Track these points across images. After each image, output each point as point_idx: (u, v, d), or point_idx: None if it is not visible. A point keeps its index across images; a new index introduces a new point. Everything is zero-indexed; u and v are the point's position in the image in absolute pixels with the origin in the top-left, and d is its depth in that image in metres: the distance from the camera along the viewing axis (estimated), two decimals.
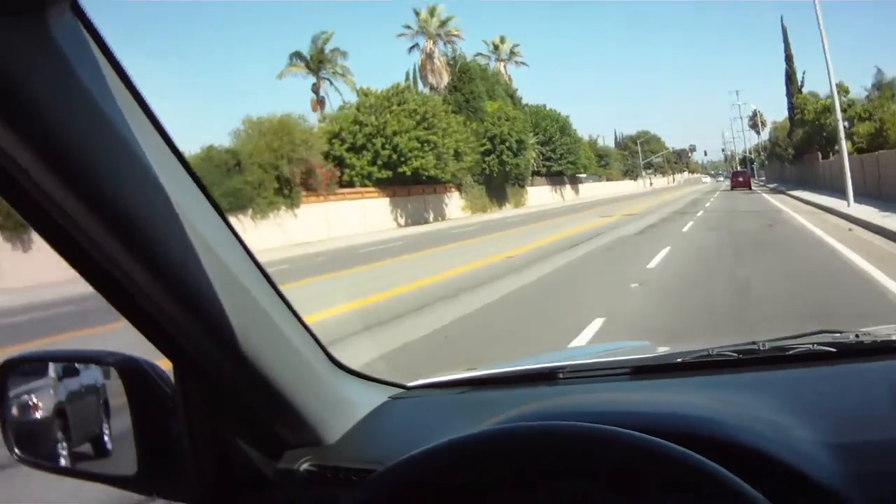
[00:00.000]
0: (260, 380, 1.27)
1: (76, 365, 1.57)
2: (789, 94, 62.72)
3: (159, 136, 1.06)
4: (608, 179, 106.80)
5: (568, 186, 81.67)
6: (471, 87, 56.40)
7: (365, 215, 41.72)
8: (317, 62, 57.65)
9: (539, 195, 68.99)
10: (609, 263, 16.23)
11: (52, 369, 1.57)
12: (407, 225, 45.65)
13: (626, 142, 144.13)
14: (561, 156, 73.50)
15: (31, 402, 1.56)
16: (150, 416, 1.34)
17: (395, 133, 43.85)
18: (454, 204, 53.21)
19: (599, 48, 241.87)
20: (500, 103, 58.18)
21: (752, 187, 64.21)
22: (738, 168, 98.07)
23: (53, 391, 1.56)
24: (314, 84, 58.28)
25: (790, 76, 62.97)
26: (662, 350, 2.01)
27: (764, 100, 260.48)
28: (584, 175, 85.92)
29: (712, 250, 16.48)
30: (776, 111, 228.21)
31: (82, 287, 1.16)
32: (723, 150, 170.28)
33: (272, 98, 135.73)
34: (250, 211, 34.00)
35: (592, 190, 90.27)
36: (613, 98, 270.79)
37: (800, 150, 58.47)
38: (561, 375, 1.67)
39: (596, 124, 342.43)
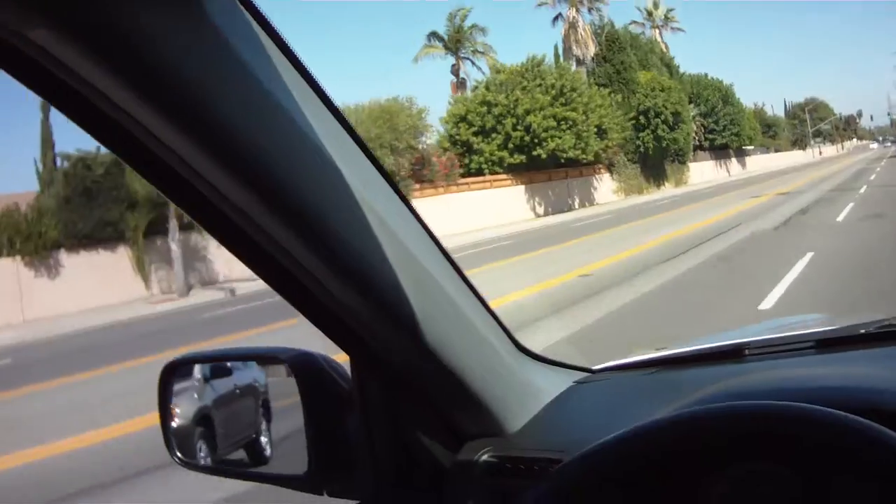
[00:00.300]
0: (442, 368, 1.22)
1: (241, 364, 1.59)
2: None
3: (332, 116, 1.00)
4: (776, 150, 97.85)
5: (734, 160, 73.97)
6: (621, 56, 50.42)
7: (496, 206, 36.66)
8: (454, 41, 52.62)
9: (702, 171, 62.11)
10: (706, 295, 10.45)
11: (214, 370, 1.59)
12: (546, 214, 40.37)
13: (795, 110, 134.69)
14: (724, 128, 66.06)
15: (193, 405, 1.58)
16: (324, 411, 1.32)
17: (527, 112, 38.63)
18: (605, 187, 47.36)
19: (760, 10, 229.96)
20: (654, 74, 51.94)
21: None
22: None
23: (216, 392, 1.59)
24: (453, 65, 53.25)
25: None
26: (843, 321, 1.89)
27: None
28: (750, 147, 78.13)
29: (876, 256, 10.95)
30: None
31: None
32: (889, 115, 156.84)
33: (410, 84, 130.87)
34: None
35: (759, 162, 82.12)
36: (779, 63, 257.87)
37: None
38: (746, 352, 1.63)
39: (763, 93, 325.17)
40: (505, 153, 38.50)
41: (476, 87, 43.18)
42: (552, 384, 1.54)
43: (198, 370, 1.59)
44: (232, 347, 1.77)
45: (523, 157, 38.73)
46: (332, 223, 1.00)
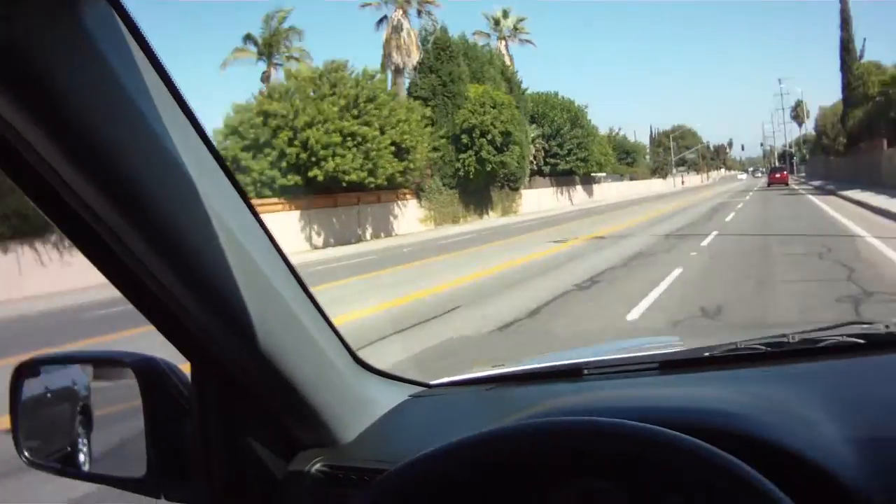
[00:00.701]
0: (277, 377, 1.26)
1: (91, 367, 1.60)
2: (844, 69, 51.15)
3: (193, 130, 1.04)
4: (632, 178, 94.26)
5: (579, 187, 69.08)
6: (450, 67, 44.19)
7: None
8: (268, 45, 46.16)
9: (539, 199, 56.98)
10: None
11: (66, 371, 1.61)
12: (327, 245, 33.82)
13: (660, 137, 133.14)
14: (570, 152, 60.97)
15: (42, 405, 1.61)
16: (163, 416, 1.34)
17: (308, 125, 32.23)
18: (410, 215, 41.22)
19: (628, 36, 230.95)
20: (487, 88, 45.96)
21: (793, 186, 59.62)
22: (777, 164, 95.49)
23: (66, 393, 1.61)
24: (264, 72, 46.70)
25: (846, 45, 51.29)
26: (689, 344, 1.99)
27: (808, 91, 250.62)
28: (601, 174, 73.82)
29: None
30: (823, 97, 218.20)
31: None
32: (761, 145, 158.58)
33: (218, 93, 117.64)
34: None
35: (609, 191, 77.69)
36: (648, 90, 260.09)
37: (855, 137, 50.17)
38: (586, 371, 1.65)
39: (630, 118, 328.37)
40: (276, 172, 31.97)
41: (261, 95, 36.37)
42: (388, 397, 1.57)
43: (45, 372, 1.59)
44: (78, 350, 1.80)
45: (298, 178, 32.26)
46: (178, 229, 1.02)
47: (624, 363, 1.70)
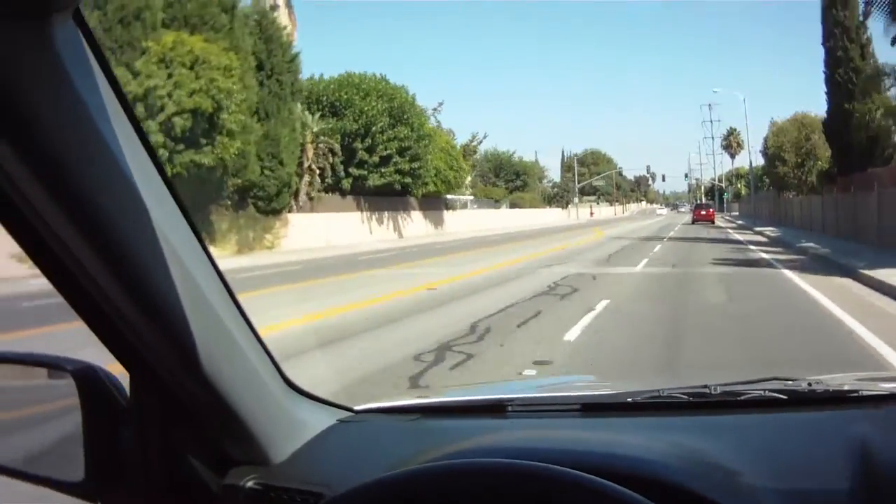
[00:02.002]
0: (214, 395, 1.29)
1: (31, 368, 1.60)
2: (829, 60, 34.42)
3: (143, 149, 1.09)
4: (514, 206, 73.60)
5: (418, 214, 49.32)
6: None
7: None
8: None
9: (329, 228, 36.98)
10: None
11: (4, 372, 1.62)
12: None
13: (570, 161, 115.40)
14: (385, 159, 40.81)
15: None
16: (102, 425, 1.35)
17: None
18: None
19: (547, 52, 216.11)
20: (185, 36, 25.94)
21: (731, 232, 43.53)
22: (704, 200, 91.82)
23: (3, 393, 1.65)
24: None
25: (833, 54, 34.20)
26: (612, 387, 1.98)
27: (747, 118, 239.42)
28: (466, 197, 54.23)
29: None
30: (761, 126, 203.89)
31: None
32: (686, 177, 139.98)
33: None
34: None
35: (472, 221, 58.00)
36: (562, 114, 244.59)
37: (846, 162, 32.89)
38: (509, 408, 1.67)
39: (549, 144, 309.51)
40: None
41: None
42: (317, 420, 1.60)
43: (4, 371, 1.61)
44: (17, 351, 1.66)
45: None
46: (124, 241, 1.06)
47: (547, 402, 1.76)
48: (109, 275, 1.08)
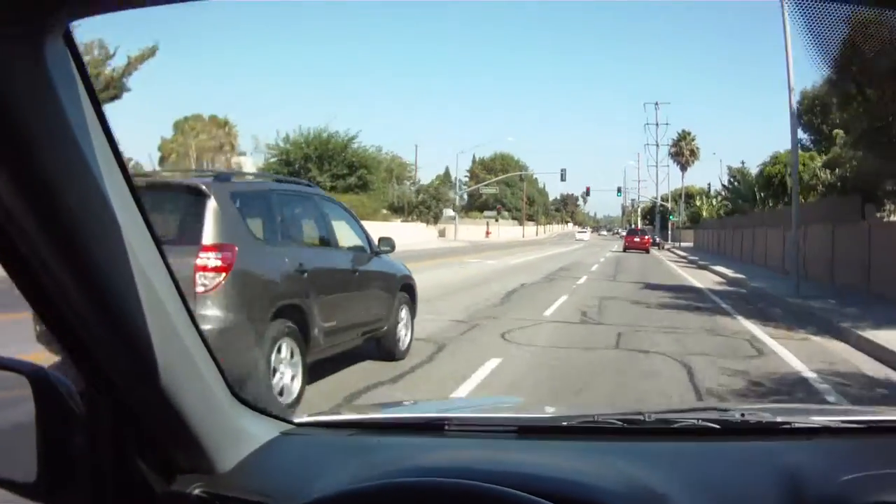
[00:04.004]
0: (165, 402, 1.33)
1: None
2: None
3: (115, 162, 1.15)
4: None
5: None
6: None
7: None
8: None
9: None
10: None
11: None
12: None
13: (475, 168, 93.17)
14: None
15: None
16: (54, 428, 1.36)
17: None
18: None
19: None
20: None
21: (686, 276, 28.53)
22: (639, 225, 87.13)
23: None
24: None
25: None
26: (548, 411, 2.06)
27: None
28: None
29: None
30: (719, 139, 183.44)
31: None
32: (618, 191, 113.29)
33: None
34: None
35: None
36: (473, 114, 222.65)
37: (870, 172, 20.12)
38: (447, 427, 1.68)
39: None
40: None
41: None
42: (260, 431, 1.63)
43: None
44: None
45: None
46: (90, 247, 1.11)
47: (485, 423, 1.78)
48: (70, 275, 1.11)
